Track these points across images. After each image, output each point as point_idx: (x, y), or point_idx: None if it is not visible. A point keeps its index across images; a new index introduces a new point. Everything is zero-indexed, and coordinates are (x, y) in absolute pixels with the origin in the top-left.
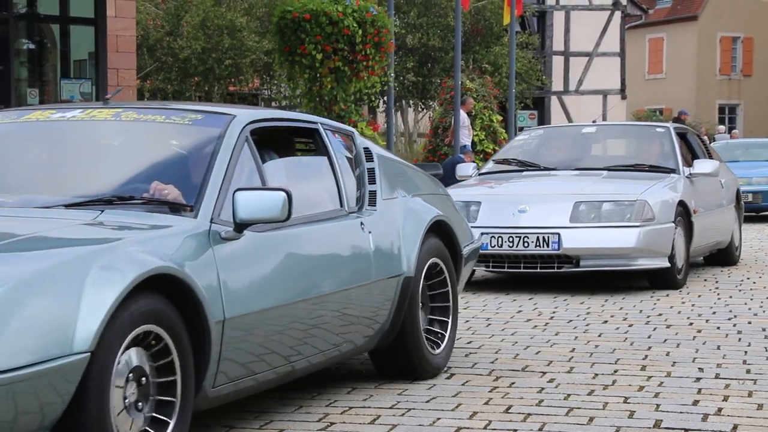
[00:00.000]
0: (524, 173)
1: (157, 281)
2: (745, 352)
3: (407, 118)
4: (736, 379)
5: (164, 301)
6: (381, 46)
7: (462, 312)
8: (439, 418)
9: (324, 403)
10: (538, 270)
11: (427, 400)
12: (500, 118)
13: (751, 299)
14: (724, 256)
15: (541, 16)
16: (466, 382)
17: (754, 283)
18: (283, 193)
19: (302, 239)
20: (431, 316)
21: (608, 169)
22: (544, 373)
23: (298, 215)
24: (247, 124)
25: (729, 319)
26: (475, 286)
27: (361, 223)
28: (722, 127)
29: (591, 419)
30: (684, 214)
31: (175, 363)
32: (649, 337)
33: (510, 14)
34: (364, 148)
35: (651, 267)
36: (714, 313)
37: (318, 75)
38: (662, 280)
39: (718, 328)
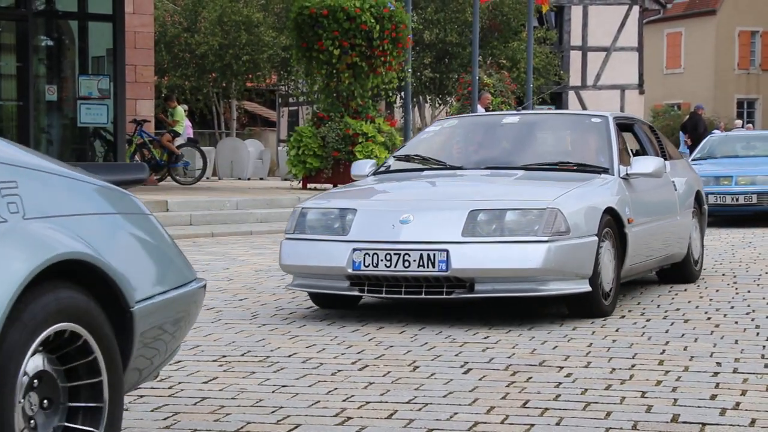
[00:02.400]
0: (424, 173)
1: None
2: (764, 346)
3: (424, 113)
4: (754, 373)
5: None
6: (398, 41)
7: (477, 308)
8: (456, 413)
9: (341, 398)
10: (423, 296)
11: (444, 395)
12: None
13: None
14: (679, 272)
15: (559, 11)
16: (483, 376)
17: None
18: None
19: None
20: (68, 424)
21: (526, 168)
22: (562, 367)
23: None
24: None
25: (747, 313)
26: None
27: None
28: (739, 122)
29: (608, 414)
30: (614, 224)
31: None
32: (666, 331)
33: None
34: None
35: (567, 292)
36: (732, 307)
37: (335, 71)
38: (583, 307)
39: (736, 322)
